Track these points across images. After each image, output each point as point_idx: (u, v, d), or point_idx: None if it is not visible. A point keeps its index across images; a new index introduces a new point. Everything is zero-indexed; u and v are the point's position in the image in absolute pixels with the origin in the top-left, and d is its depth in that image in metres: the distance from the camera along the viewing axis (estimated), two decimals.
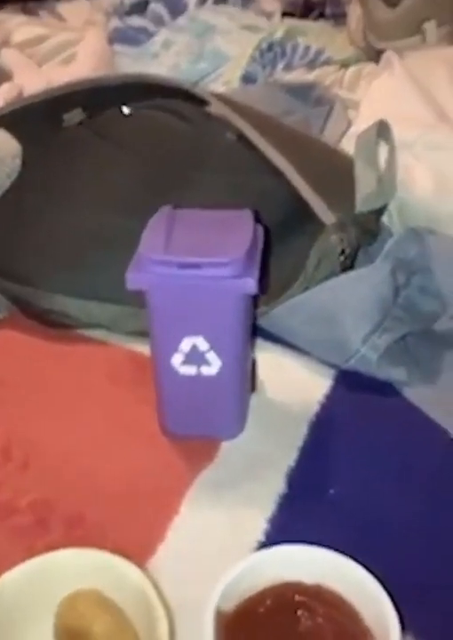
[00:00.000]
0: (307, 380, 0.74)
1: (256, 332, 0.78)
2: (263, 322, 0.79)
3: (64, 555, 0.50)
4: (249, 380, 0.71)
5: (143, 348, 0.75)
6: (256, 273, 0.59)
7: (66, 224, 0.82)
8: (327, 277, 0.77)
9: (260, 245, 0.63)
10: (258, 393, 0.73)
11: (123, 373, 0.77)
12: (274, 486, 0.63)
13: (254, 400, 0.73)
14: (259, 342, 0.79)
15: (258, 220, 0.65)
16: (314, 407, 0.71)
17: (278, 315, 0.77)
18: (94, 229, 0.81)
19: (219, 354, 0.62)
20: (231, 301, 0.60)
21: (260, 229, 0.65)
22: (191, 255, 0.58)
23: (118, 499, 0.61)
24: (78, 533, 0.58)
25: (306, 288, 0.77)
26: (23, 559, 0.50)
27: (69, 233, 0.82)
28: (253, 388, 0.73)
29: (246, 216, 0.64)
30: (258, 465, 0.65)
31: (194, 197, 0.79)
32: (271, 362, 0.77)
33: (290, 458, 0.65)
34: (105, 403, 0.73)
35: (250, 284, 0.58)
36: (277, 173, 0.80)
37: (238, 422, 0.69)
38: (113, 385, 0.75)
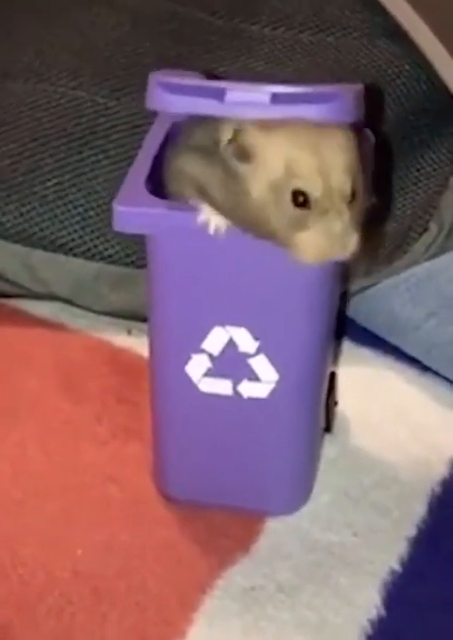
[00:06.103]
0: (430, 420, 0.74)
1: (343, 326, 0.76)
2: (356, 309, 0.78)
3: None
4: (322, 412, 0.69)
5: (132, 343, 0.74)
6: None
7: None
8: None
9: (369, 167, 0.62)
10: (337, 436, 0.72)
11: (94, 383, 0.76)
12: (360, 605, 0.63)
13: (329, 448, 0.71)
14: (348, 346, 0.77)
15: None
16: (440, 470, 0.71)
17: (383, 297, 0.76)
18: (50, 113, 0.79)
19: (275, 361, 0.63)
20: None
21: (368, 141, 0.66)
22: None
23: (79, 607, 0.62)
24: None
25: (439, 251, 0.77)
26: None
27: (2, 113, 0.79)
28: (328, 426, 0.72)
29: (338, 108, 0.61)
30: (332, 565, 0.65)
31: (243, 65, 0.80)
32: (365, 382, 0.75)
33: (392, 556, 0.66)
34: (58, 434, 0.73)
35: None
36: (395, 33, 0.81)
37: (298, 488, 0.69)
38: (74, 403, 0.74)
